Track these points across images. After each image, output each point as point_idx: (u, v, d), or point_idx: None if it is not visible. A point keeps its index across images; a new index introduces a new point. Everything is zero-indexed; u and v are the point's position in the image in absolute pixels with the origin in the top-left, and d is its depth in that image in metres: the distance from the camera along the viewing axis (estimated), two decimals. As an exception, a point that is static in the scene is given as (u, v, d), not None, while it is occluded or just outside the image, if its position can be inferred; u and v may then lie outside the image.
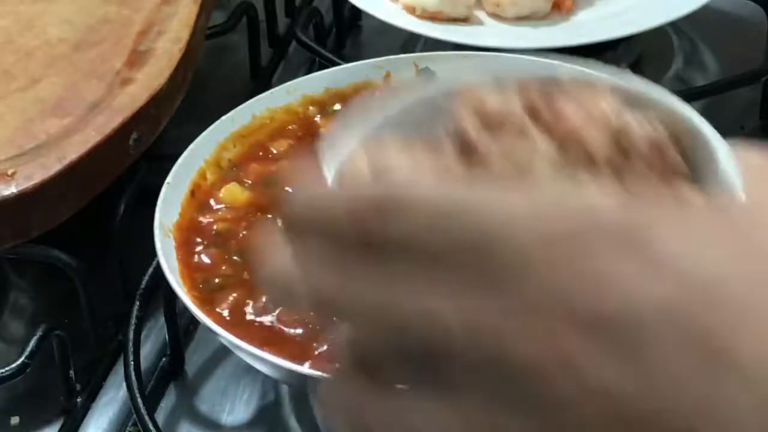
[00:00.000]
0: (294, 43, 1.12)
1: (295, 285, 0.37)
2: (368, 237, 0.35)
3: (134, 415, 0.76)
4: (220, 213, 0.80)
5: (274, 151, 0.86)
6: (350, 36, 1.17)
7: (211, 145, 0.83)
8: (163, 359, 0.85)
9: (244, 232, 0.79)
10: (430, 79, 0.84)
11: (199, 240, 0.78)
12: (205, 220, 0.79)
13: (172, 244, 0.77)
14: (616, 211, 0.36)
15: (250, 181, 0.83)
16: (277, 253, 0.37)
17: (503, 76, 0.45)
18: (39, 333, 0.79)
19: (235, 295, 0.74)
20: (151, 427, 0.74)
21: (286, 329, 0.71)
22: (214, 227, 0.79)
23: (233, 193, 0.81)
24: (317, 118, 0.87)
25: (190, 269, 0.76)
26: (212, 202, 0.81)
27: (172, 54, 0.95)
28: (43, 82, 0.93)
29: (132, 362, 0.78)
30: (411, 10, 1.05)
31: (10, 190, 0.82)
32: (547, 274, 0.35)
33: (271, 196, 0.81)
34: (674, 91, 1.04)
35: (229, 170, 0.83)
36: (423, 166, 0.39)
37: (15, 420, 0.83)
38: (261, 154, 0.85)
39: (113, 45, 0.96)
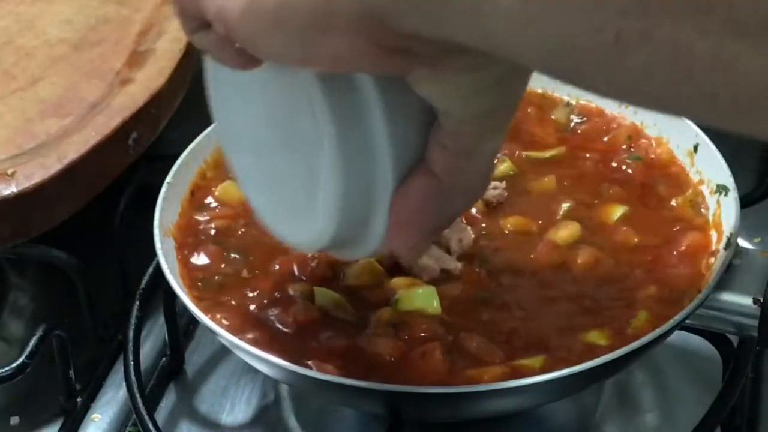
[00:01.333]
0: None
1: None
2: None
3: (134, 415, 0.76)
4: (217, 211, 0.80)
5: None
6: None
7: (211, 145, 0.83)
8: (163, 359, 0.85)
9: (243, 230, 0.79)
10: None
11: (198, 239, 0.78)
12: (202, 218, 0.79)
13: (172, 244, 0.77)
14: None
15: None
16: None
17: None
18: (39, 333, 0.79)
19: (235, 294, 0.74)
20: (151, 427, 0.74)
21: (286, 329, 0.71)
22: (212, 225, 0.79)
23: (228, 190, 0.81)
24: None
25: (190, 269, 0.76)
26: (209, 200, 0.81)
27: (172, 54, 0.95)
28: (43, 82, 0.93)
29: (132, 362, 0.78)
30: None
31: (10, 189, 0.82)
32: None
33: None
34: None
35: (226, 167, 0.83)
36: None
37: (15, 420, 0.83)
38: None
39: (113, 45, 0.96)
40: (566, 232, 0.76)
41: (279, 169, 0.65)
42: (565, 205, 0.79)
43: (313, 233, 0.63)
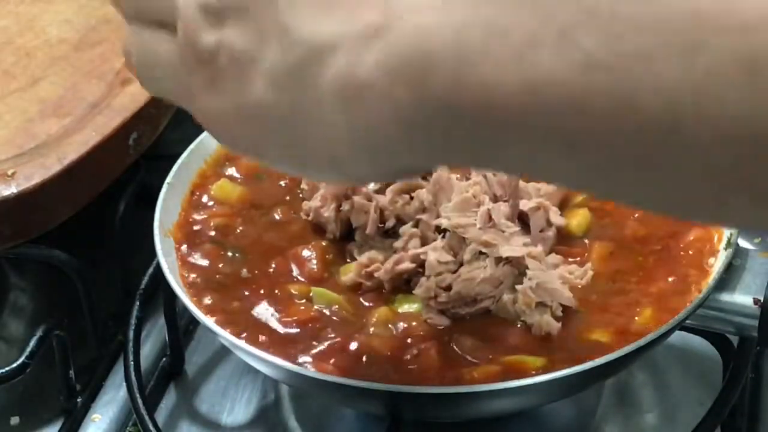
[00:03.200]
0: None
1: None
2: None
3: (134, 416, 0.76)
4: (214, 209, 0.80)
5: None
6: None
7: (212, 145, 0.83)
8: (163, 359, 0.85)
9: (240, 228, 0.79)
10: None
11: (197, 238, 0.78)
12: (200, 217, 0.79)
13: (172, 244, 0.77)
14: None
15: (241, 176, 0.83)
16: None
17: None
18: (39, 333, 0.79)
19: (234, 294, 0.73)
20: (151, 427, 0.74)
21: (285, 329, 0.71)
22: (211, 223, 0.79)
23: (224, 189, 0.81)
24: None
25: (190, 268, 0.76)
26: (206, 198, 0.81)
27: (172, 54, 0.95)
28: (43, 82, 0.93)
29: (132, 362, 0.78)
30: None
31: (10, 190, 0.82)
32: None
33: (263, 191, 0.82)
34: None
35: (222, 164, 0.83)
36: None
37: (15, 420, 0.83)
38: None
39: (113, 45, 0.96)
40: (577, 219, 0.77)
41: None
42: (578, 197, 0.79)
43: None
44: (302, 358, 0.69)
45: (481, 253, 0.72)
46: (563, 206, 0.78)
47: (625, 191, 0.43)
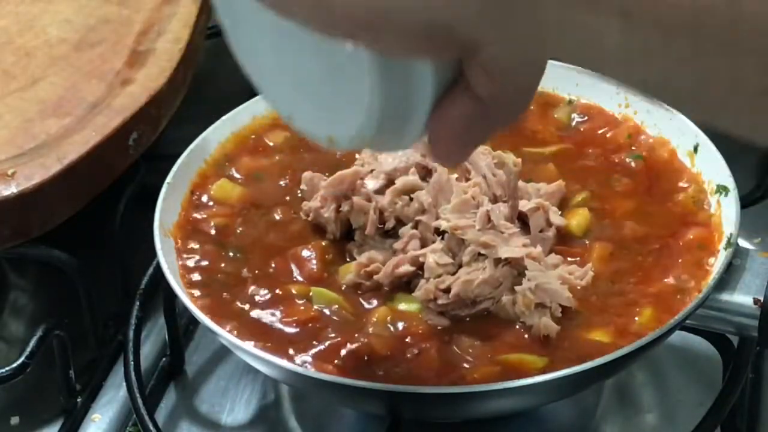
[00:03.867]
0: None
1: None
2: None
3: (134, 415, 0.76)
4: (214, 209, 0.80)
5: (270, 144, 0.86)
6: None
7: (212, 145, 0.84)
8: (163, 359, 0.85)
9: (240, 228, 0.79)
10: None
11: (197, 238, 0.78)
12: (200, 217, 0.79)
13: (172, 244, 0.77)
14: None
15: (241, 177, 0.83)
16: None
17: None
18: (39, 333, 0.79)
19: (235, 294, 0.74)
20: (151, 427, 0.74)
21: (285, 329, 0.71)
22: (211, 223, 0.79)
23: (225, 189, 0.81)
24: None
25: (190, 269, 0.76)
26: (206, 198, 0.81)
27: (172, 54, 0.95)
28: (43, 82, 0.93)
29: (132, 362, 0.78)
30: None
31: (10, 190, 0.82)
32: None
33: (263, 191, 0.82)
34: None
35: (222, 164, 0.83)
36: None
37: (15, 420, 0.83)
38: (254, 146, 0.85)
39: (113, 45, 0.96)
40: (577, 219, 0.77)
41: (313, 65, 0.61)
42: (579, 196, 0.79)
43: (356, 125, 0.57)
44: (302, 358, 0.69)
45: (480, 254, 0.72)
46: (563, 206, 0.78)
47: (664, 72, 0.44)
